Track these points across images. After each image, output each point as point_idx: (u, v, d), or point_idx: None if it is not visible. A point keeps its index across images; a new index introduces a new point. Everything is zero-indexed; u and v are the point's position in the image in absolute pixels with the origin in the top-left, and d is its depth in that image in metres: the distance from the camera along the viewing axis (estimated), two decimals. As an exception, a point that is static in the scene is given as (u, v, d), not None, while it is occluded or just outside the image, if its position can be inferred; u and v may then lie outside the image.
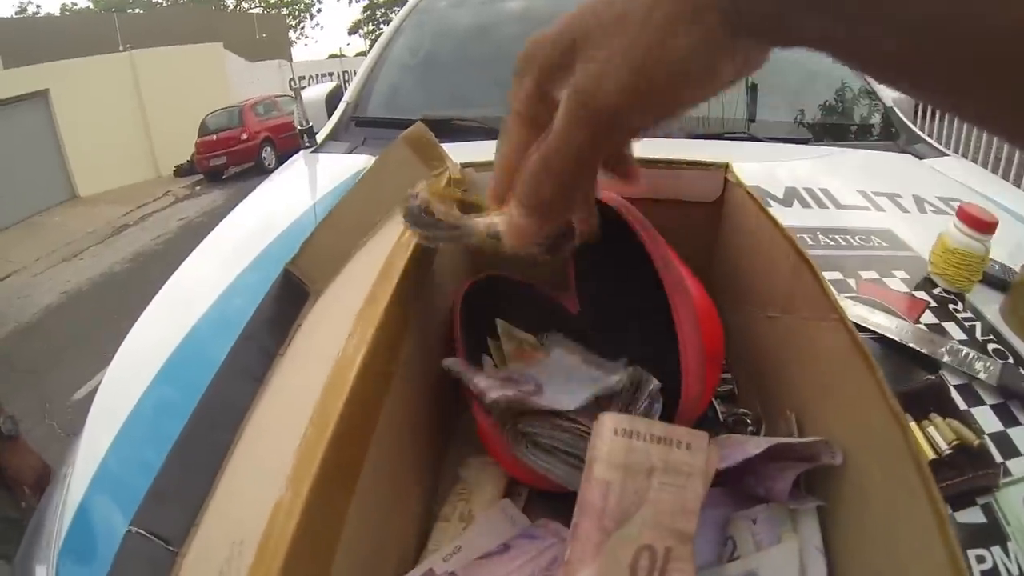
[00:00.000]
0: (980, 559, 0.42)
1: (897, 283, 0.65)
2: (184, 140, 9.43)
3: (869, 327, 0.56)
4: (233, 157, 8.93)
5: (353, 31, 25.44)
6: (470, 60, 1.33)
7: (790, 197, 0.81)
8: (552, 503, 0.35)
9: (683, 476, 0.26)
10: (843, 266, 0.66)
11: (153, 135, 10.34)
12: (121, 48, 10.74)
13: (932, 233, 0.67)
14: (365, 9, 24.35)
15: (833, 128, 1.16)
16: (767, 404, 0.40)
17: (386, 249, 0.42)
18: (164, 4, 20.97)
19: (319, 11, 25.96)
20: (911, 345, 0.55)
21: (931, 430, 0.47)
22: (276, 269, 0.52)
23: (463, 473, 0.39)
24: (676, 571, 0.25)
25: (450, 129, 1.05)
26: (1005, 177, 3.15)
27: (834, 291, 0.32)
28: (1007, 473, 0.46)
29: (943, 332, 0.58)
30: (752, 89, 1.09)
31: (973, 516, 0.44)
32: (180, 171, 10.05)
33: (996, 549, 0.42)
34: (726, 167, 0.51)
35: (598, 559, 0.25)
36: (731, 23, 0.21)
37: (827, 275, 0.64)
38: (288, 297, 0.52)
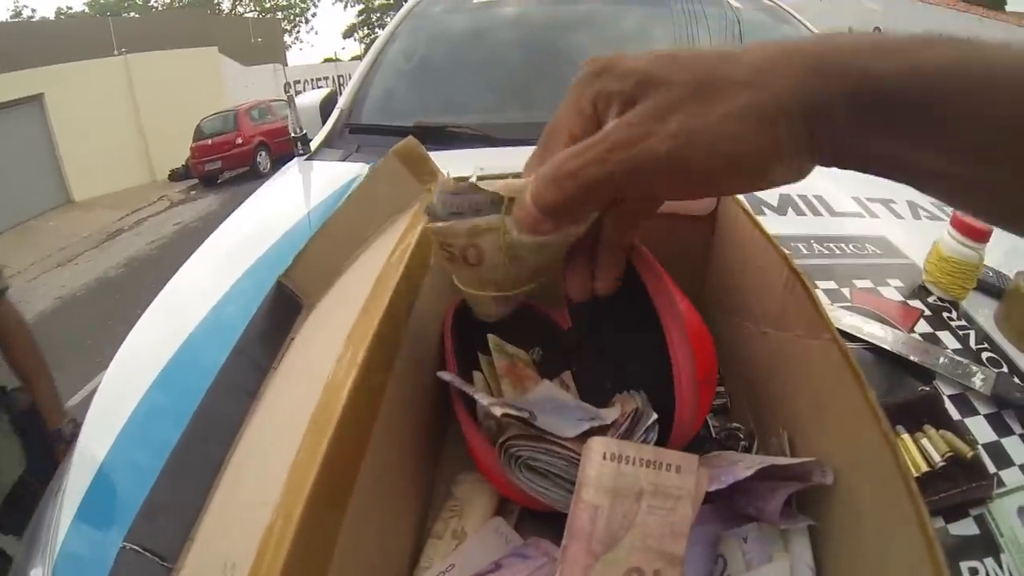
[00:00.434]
0: (973, 571, 0.42)
1: (891, 291, 0.65)
2: (179, 144, 9.42)
3: (864, 338, 0.57)
4: (228, 161, 8.93)
5: (348, 35, 25.50)
6: (465, 66, 1.32)
7: (784, 205, 0.82)
8: (544, 520, 0.35)
9: (672, 499, 0.26)
10: (838, 275, 0.66)
11: (148, 139, 10.33)
12: (116, 52, 10.69)
13: (926, 239, 0.67)
14: (360, 13, 24.39)
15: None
16: (760, 419, 0.40)
17: (378, 263, 0.42)
18: (159, 8, 20.99)
19: (314, 15, 25.99)
20: (905, 355, 0.55)
21: (924, 442, 0.47)
22: (271, 277, 0.52)
23: (455, 490, 0.39)
24: (667, 594, 0.25)
25: (445, 136, 1.04)
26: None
27: (826, 310, 0.32)
28: (1000, 484, 0.46)
29: (937, 341, 0.58)
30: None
31: (966, 528, 0.44)
32: (175, 175, 10.03)
33: (989, 560, 0.42)
34: None
35: (588, 583, 0.25)
36: (802, 142, 0.21)
37: (822, 284, 0.64)
38: (281, 310, 0.52)
